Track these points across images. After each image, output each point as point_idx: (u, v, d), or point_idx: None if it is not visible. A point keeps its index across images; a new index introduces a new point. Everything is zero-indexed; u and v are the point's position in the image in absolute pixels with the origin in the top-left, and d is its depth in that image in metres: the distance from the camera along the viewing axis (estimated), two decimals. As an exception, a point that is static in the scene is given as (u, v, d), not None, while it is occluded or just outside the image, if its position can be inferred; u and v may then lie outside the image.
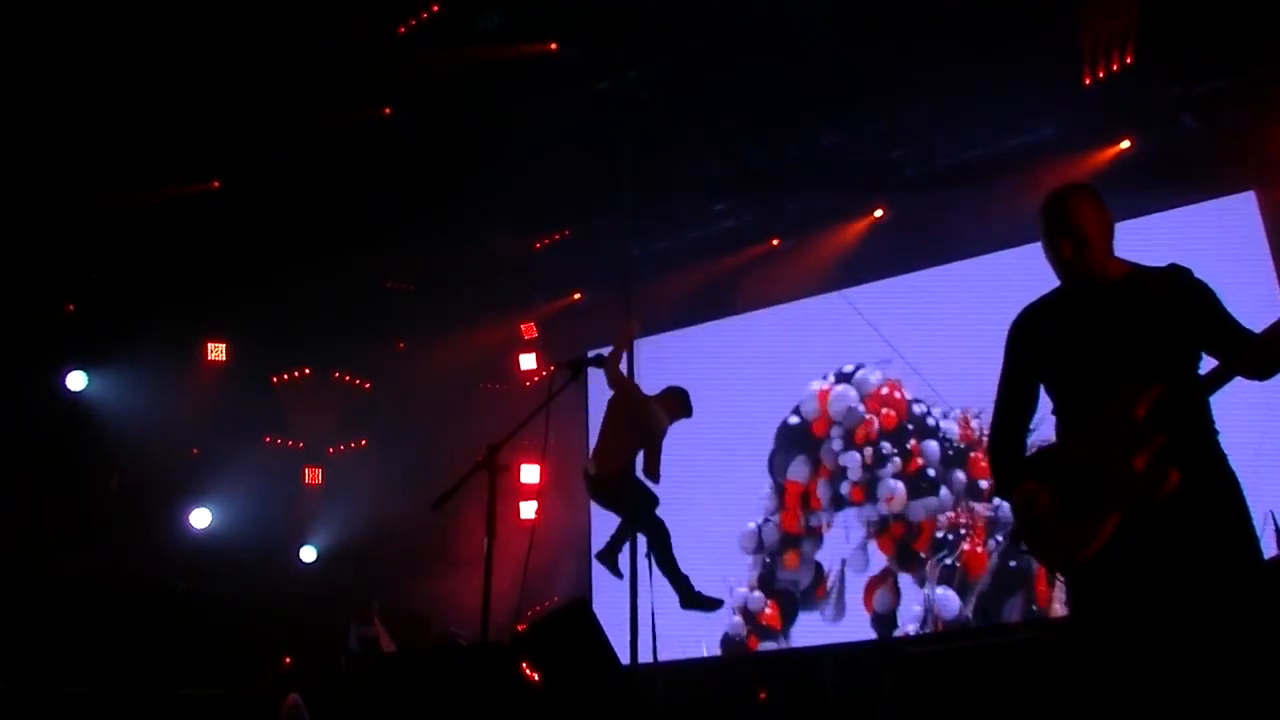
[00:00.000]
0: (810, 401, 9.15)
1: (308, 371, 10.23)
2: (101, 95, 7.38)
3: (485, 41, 7.50)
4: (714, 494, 8.99)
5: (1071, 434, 2.93)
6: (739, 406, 9.21)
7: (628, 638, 6.95)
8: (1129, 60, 7.38)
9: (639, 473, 6.61)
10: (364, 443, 10.44)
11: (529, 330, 10.30)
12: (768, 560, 9.03)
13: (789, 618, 8.86)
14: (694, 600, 6.57)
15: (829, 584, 8.73)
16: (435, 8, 7.41)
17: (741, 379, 9.37)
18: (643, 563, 6.73)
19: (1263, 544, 2.91)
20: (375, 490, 9.81)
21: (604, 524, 9.48)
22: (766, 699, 7.68)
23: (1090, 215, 2.96)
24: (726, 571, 8.82)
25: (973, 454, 8.37)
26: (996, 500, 7.98)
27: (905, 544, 8.47)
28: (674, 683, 7.30)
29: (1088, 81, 7.46)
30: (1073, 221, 2.95)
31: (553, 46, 7.66)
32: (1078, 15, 7.09)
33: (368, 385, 10.59)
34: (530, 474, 9.41)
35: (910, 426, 8.69)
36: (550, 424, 4.66)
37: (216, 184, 8.44)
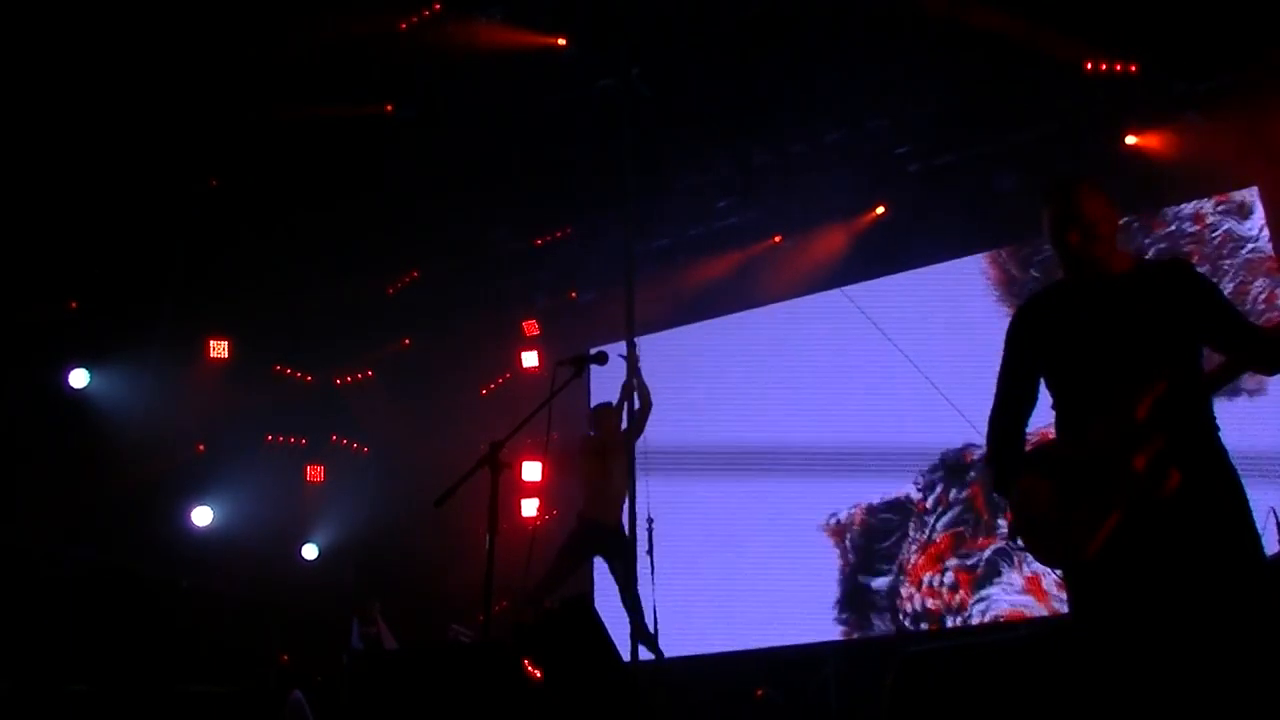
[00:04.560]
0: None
1: (310, 379, 10.23)
2: (104, 92, 7.37)
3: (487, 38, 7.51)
4: (712, 493, 9.00)
5: (1072, 431, 2.92)
6: (739, 406, 9.20)
7: (629, 635, 6.94)
8: (1133, 69, 7.39)
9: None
10: (366, 440, 10.44)
11: (530, 328, 10.28)
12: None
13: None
14: (645, 636, 6.54)
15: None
16: (437, 5, 7.41)
17: (742, 377, 9.35)
18: (643, 560, 6.72)
19: (1265, 541, 2.91)
20: (377, 488, 9.81)
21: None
22: (763, 696, 7.65)
23: (1097, 206, 2.95)
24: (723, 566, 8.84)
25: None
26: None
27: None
28: (675, 680, 7.30)
29: (1088, 66, 7.44)
30: (1081, 211, 2.93)
31: (558, 43, 7.67)
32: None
33: (370, 378, 10.58)
34: (532, 471, 9.39)
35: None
36: (552, 421, 4.67)
37: (214, 183, 8.43)
